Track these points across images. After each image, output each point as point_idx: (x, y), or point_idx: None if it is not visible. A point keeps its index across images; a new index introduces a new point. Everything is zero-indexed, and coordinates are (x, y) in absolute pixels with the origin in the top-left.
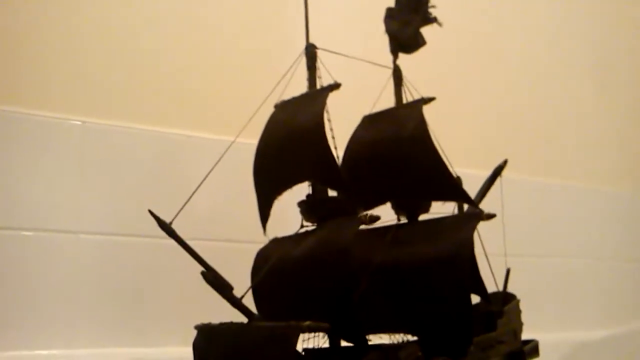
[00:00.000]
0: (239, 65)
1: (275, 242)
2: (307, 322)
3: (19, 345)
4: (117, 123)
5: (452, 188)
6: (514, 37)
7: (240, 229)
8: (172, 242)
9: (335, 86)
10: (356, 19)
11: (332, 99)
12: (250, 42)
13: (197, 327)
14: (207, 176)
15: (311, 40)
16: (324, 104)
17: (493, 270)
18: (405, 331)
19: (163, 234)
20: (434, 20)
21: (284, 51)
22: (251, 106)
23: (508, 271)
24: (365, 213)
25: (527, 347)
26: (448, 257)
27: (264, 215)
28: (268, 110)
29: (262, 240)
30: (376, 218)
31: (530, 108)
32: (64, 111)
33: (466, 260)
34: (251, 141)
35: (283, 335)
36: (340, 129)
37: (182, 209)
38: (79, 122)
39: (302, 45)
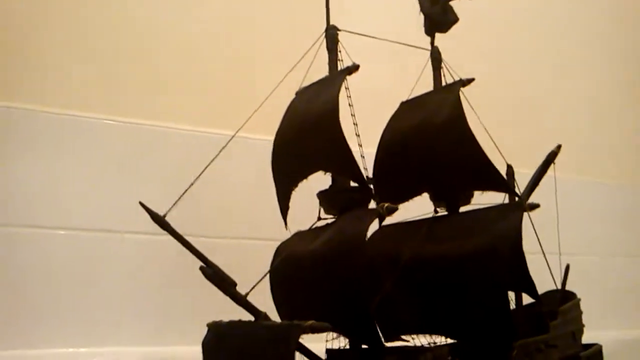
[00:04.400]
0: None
1: (297, 236)
2: (309, 322)
3: (71, 343)
4: (160, 124)
5: (489, 176)
6: (560, 24)
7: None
8: (216, 241)
9: (354, 68)
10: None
11: (367, 84)
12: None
13: (208, 325)
14: (205, 169)
15: (344, 24)
16: (339, 88)
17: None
18: (439, 333)
19: (206, 233)
20: None
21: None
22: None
23: (567, 268)
24: (382, 204)
25: (587, 352)
26: (485, 252)
27: (283, 208)
28: (281, 101)
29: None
30: (393, 209)
31: (579, 105)
32: (107, 112)
33: (505, 256)
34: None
35: (284, 335)
36: (377, 116)
37: (179, 199)
38: (121, 123)
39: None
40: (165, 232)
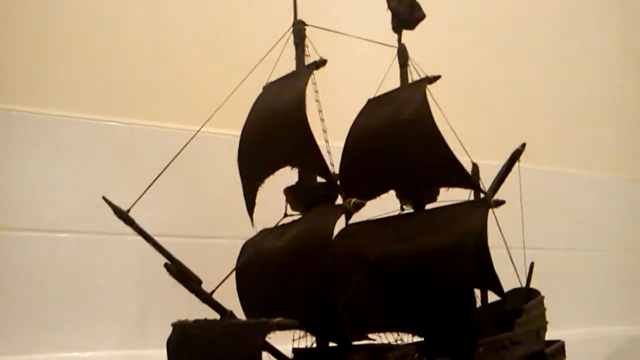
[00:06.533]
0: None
1: (263, 233)
2: (277, 319)
3: (75, 347)
4: (163, 124)
5: (454, 173)
6: (532, 18)
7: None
8: (221, 241)
9: (321, 63)
10: None
11: (335, 81)
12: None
13: (173, 325)
14: (165, 168)
15: (314, 19)
16: (306, 83)
17: (507, 264)
18: (405, 331)
19: (209, 234)
20: None
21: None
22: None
23: (532, 265)
24: (349, 200)
25: (550, 348)
26: (450, 250)
27: (250, 204)
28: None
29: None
30: (360, 205)
31: (549, 93)
32: (106, 114)
33: (469, 253)
34: None
35: (251, 332)
36: (345, 113)
37: (141, 196)
38: (125, 125)
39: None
40: (165, 234)
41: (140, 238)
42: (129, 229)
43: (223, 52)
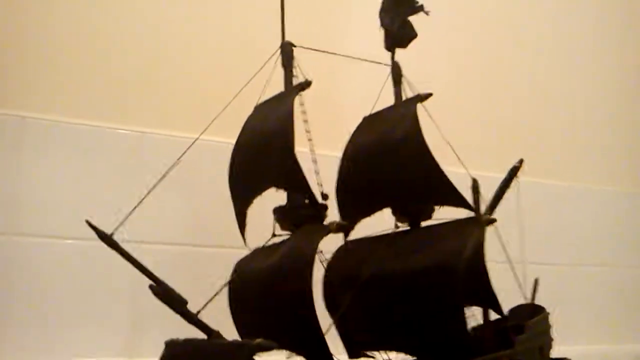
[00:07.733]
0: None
1: (254, 253)
2: (257, 341)
3: (74, 353)
4: (176, 133)
5: (445, 191)
6: (529, 31)
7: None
8: (235, 251)
9: (306, 84)
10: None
11: (331, 99)
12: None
13: (166, 343)
14: (161, 179)
15: (306, 39)
16: (292, 104)
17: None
18: (398, 350)
19: (221, 243)
20: (420, 9)
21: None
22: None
23: (536, 281)
24: (333, 221)
25: None
26: (439, 269)
27: (240, 224)
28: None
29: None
30: (343, 227)
31: (547, 106)
32: (116, 121)
33: (455, 271)
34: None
35: (233, 353)
36: (342, 131)
37: (127, 217)
38: (138, 133)
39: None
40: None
41: (143, 246)
42: (134, 238)
43: (217, 65)
